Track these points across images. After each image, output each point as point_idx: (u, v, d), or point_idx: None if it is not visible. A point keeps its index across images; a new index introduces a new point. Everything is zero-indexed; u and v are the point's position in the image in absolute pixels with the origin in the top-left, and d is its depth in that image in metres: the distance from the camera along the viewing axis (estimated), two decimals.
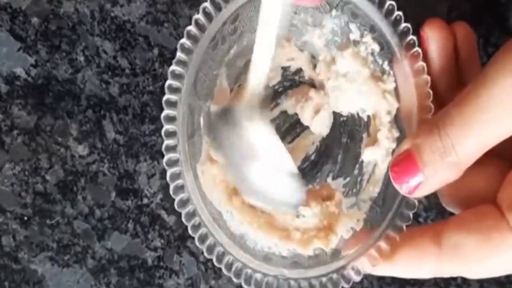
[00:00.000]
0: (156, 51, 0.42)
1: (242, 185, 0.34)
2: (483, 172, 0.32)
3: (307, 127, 0.40)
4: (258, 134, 0.34)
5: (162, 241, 0.43)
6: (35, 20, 0.42)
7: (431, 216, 0.43)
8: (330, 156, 0.40)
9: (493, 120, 0.28)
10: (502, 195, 0.30)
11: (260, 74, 0.33)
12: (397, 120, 0.36)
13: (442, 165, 0.29)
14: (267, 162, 0.34)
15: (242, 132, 0.34)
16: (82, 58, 0.42)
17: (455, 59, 0.35)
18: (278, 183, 0.34)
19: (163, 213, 0.43)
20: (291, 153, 0.36)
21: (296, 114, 0.40)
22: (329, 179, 0.40)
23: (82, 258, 0.43)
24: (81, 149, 0.43)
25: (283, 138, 0.40)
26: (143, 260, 0.43)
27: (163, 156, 0.41)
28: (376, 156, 0.37)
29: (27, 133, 0.42)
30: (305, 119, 0.39)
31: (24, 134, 0.42)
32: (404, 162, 0.30)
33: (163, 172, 0.42)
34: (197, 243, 0.33)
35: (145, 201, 0.43)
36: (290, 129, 0.41)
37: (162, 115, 0.33)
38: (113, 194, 0.43)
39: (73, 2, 0.42)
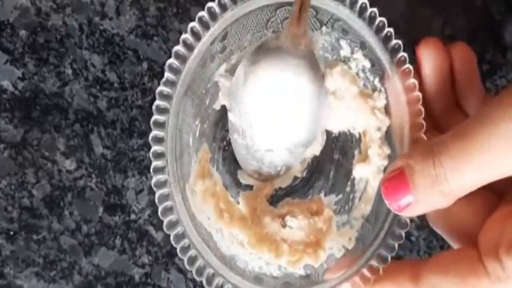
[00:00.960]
0: (145, 65, 0.42)
1: (254, 133, 0.34)
2: (470, 204, 0.32)
3: None
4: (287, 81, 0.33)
5: (150, 257, 0.43)
6: (22, 32, 0.42)
7: (423, 235, 0.43)
8: (322, 173, 0.40)
9: (489, 160, 0.28)
10: (482, 239, 0.30)
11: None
12: (389, 137, 0.36)
13: (433, 192, 0.29)
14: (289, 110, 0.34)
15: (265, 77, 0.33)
16: (70, 72, 0.42)
17: (452, 81, 0.35)
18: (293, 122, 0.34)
19: (151, 229, 0.43)
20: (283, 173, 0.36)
21: None
22: (321, 196, 0.40)
23: (68, 274, 0.43)
24: (69, 164, 0.42)
25: None
26: (131, 277, 0.43)
27: (151, 171, 0.41)
28: (367, 173, 0.37)
29: (13, 146, 0.42)
30: None
31: (11, 148, 0.42)
32: (395, 180, 0.30)
33: (152, 187, 0.41)
34: (186, 265, 0.33)
35: (133, 217, 0.43)
36: None
37: (150, 136, 0.33)
38: (101, 209, 0.43)
39: (61, 15, 0.42)
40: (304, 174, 0.40)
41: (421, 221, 0.43)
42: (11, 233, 0.42)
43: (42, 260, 0.43)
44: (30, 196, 0.43)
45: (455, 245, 0.34)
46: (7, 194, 0.42)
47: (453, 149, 0.29)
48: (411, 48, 0.34)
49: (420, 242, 0.43)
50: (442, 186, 0.29)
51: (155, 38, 0.42)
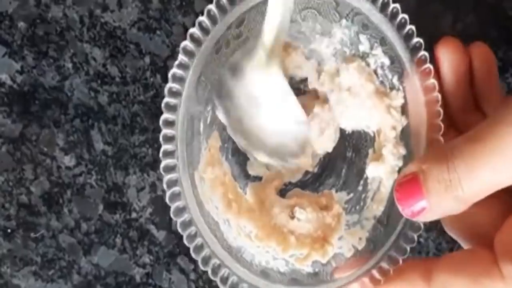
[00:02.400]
0: (147, 59, 0.42)
1: (248, 142, 0.34)
2: (487, 207, 0.32)
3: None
4: (265, 83, 0.34)
5: (151, 257, 0.43)
6: (21, 24, 0.41)
7: (432, 236, 0.43)
8: (334, 170, 0.40)
9: (503, 164, 0.28)
10: (499, 240, 0.30)
11: (273, 26, 0.32)
12: (405, 138, 0.35)
13: (447, 198, 0.29)
14: (274, 111, 0.34)
15: (248, 82, 0.34)
16: (70, 65, 0.42)
17: (471, 81, 0.34)
18: (285, 132, 0.34)
19: (152, 228, 0.42)
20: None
21: None
22: (332, 191, 0.39)
23: (67, 273, 0.42)
24: (68, 160, 0.42)
25: None
26: (131, 277, 0.43)
27: (153, 168, 0.42)
28: (380, 172, 0.36)
29: (11, 142, 0.42)
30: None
31: (9, 143, 0.42)
32: (409, 185, 0.30)
33: (153, 185, 0.42)
34: (192, 253, 0.33)
35: (134, 215, 0.42)
36: None
37: (161, 118, 0.32)
38: (101, 207, 0.42)
39: (62, 7, 0.41)
40: (316, 170, 0.40)
41: (430, 223, 0.41)
42: (9, 231, 0.42)
43: (40, 259, 0.42)
44: (28, 193, 0.42)
45: (468, 248, 0.33)
46: (4, 190, 0.42)
47: (467, 153, 0.29)
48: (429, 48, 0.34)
49: (429, 244, 0.43)
50: (456, 192, 0.29)
51: (158, 32, 0.41)
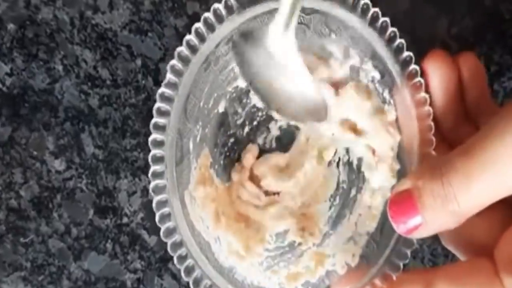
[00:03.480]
0: (139, 61, 0.41)
1: (270, 104, 0.34)
2: (485, 219, 0.32)
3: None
4: (282, 54, 0.33)
5: (143, 262, 0.42)
6: (11, 26, 0.41)
7: (427, 242, 0.42)
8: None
9: (497, 176, 0.28)
10: (499, 251, 0.30)
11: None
12: (398, 152, 0.35)
13: (443, 213, 0.29)
14: (291, 79, 0.33)
15: (267, 51, 0.33)
16: (60, 68, 0.41)
17: (461, 93, 0.34)
18: (304, 97, 0.33)
19: (144, 233, 0.42)
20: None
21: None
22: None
23: (57, 279, 0.42)
24: (58, 164, 0.42)
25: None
26: (122, 283, 0.42)
27: (144, 172, 0.42)
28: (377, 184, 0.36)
29: (0, 145, 0.42)
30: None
31: None
32: (403, 202, 0.30)
33: (144, 189, 0.42)
34: (183, 275, 0.33)
35: (125, 220, 0.42)
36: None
37: (150, 139, 0.33)
38: (91, 212, 0.42)
39: (52, 8, 0.41)
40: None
41: None
42: None
43: (29, 264, 0.42)
44: (17, 197, 0.42)
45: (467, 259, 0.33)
46: None
47: (461, 167, 0.29)
48: (414, 47, 0.34)
49: (424, 250, 0.42)
50: (452, 206, 0.29)
51: (150, 34, 0.41)
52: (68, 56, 0.41)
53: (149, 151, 0.34)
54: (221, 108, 0.37)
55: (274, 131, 0.39)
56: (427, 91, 0.33)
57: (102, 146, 0.42)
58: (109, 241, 0.42)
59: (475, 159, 0.28)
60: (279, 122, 0.39)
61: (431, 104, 0.33)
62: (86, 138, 0.42)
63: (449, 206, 0.29)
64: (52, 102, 0.42)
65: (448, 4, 0.41)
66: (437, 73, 0.34)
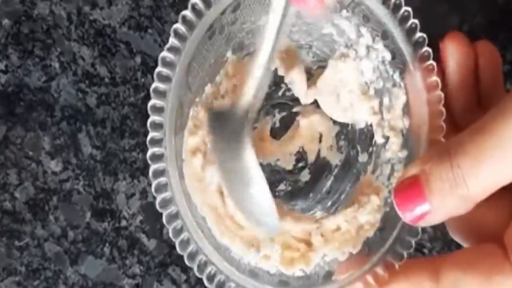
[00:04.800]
0: (138, 59, 0.41)
1: (226, 189, 0.34)
2: (493, 206, 0.31)
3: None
4: (244, 158, 0.33)
5: (141, 267, 0.42)
6: (6, 22, 0.41)
7: (437, 247, 0.42)
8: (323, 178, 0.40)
9: (509, 157, 0.28)
10: (508, 235, 0.30)
11: (252, 91, 0.32)
12: (406, 139, 0.35)
13: (452, 197, 0.29)
14: (249, 181, 0.34)
15: (231, 146, 0.33)
16: (57, 65, 0.41)
17: (476, 80, 0.34)
18: (258, 206, 0.34)
19: (142, 237, 0.42)
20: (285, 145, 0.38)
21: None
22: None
23: (53, 283, 0.42)
24: (54, 165, 0.42)
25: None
26: None
27: (143, 174, 0.42)
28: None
29: None
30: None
31: None
32: (409, 188, 0.30)
33: (144, 191, 0.42)
34: (178, 249, 0.32)
35: (124, 223, 0.42)
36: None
37: (149, 104, 0.32)
38: (88, 214, 0.42)
39: (48, 3, 0.41)
40: (308, 177, 0.40)
41: (435, 232, 0.42)
42: None
43: (24, 269, 0.42)
44: (12, 199, 0.42)
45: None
46: None
47: (470, 148, 0.28)
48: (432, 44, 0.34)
49: (434, 255, 0.42)
50: (462, 190, 0.28)
51: (149, 30, 0.41)
52: (65, 53, 0.41)
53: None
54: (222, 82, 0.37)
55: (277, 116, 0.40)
56: (439, 75, 0.33)
57: (100, 146, 0.42)
58: (107, 245, 0.42)
59: (485, 139, 0.28)
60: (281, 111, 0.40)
61: (444, 88, 0.33)
62: (83, 138, 0.42)
63: (458, 190, 0.28)
64: (48, 100, 0.41)
65: (459, 1, 0.40)
66: (455, 55, 0.33)
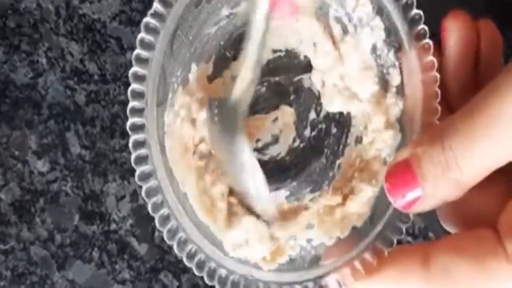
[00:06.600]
0: (129, 55, 0.41)
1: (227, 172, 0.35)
2: (486, 191, 0.31)
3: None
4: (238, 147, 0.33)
5: (132, 272, 0.42)
6: None
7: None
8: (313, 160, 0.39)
9: (503, 135, 0.27)
10: (502, 219, 0.29)
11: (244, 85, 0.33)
12: (400, 121, 0.34)
13: (444, 182, 0.28)
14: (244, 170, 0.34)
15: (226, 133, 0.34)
16: (44, 61, 0.41)
17: (476, 61, 0.34)
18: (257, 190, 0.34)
19: (133, 241, 0.42)
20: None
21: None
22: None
23: None
24: (41, 165, 0.42)
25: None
26: None
27: (134, 175, 0.39)
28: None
29: None
30: None
31: None
32: (401, 173, 0.30)
33: (134, 194, 0.42)
34: (157, 224, 0.32)
35: (113, 226, 0.42)
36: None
37: (130, 72, 0.31)
38: (77, 217, 0.42)
39: None
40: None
41: (414, 229, 0.42)
42: None
43: (9, 273, 0.42)
44: None
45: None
46: None
47: (462, 129, 0.28)
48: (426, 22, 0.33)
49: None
50: (454, 173, 0.28)
51: None
52: (53, 48, 0.41)
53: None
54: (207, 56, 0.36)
55: (261, 89, 0.39)
56: (436, 55, 0.32)
57: (89, 146, 0.41)
58: (96, 249, 0.42)
59: (478, 118, 0.27)
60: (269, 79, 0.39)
61: (442, 68, 0.32)
62: (71, 137, 0.41)
63: (451, 173, 0.28)
64: (35, 98, 0.41)
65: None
66: (457, 33, 0.33)
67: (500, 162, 0.28)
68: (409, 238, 0.41)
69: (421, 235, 0.41)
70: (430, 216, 0.35)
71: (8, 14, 0.41)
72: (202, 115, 0.35)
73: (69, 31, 0.41)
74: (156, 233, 0.41)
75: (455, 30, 0.33)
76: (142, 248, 0.41)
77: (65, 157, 0.41)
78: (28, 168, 0.41)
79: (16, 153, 0.41)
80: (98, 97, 0.41)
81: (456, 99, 0.34)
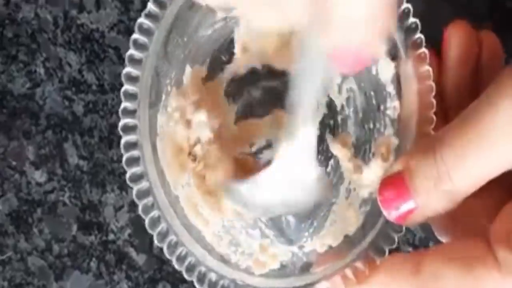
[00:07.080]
0: None
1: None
2: (479, 201, 0.31)
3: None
4: None
5: (130, 283, 0.42)
6: None
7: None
8: None
9: (495, 145, 0.27)
10: (493, 228, 0.29)
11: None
12: (396, 131, 0.34)
13: (437, 194, 0.29)
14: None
15: None
16: (42, 71, 0.41)
17: (476, 72, 0.34)
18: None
19: (131, 251, 0.42)
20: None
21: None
22: None
23: None
24: (39, 175, 0.41)
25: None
26: None
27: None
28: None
29: None
30: None
31: None
32: (394, 186, 0.30)
33: (132, 204, 0.41)
34: (147, 227, 0.32)
35: (111, 236, 0.42)
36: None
37: (123, 72, 0.32)
38: (74, 227, 0.42)
39: (34, 6, 0.41)
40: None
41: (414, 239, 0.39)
42: None
43: (7, 284, 0.42)
44: None
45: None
46: None
47: (454, 140, 0.28)
48: (428, 47, 0.33)
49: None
50: (446, 186, 0.28)
51: None
52: (51, 58, 0.41)
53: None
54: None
55: (255, 93, 0.39)
56: (432, 65, 0.32)
57: (87, 156, 0.41)
58: (94, 259, 0.42)
59: (470, 129, 0.27)
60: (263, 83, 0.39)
61: (442, 77, 0.33)
62: (69, 147, 0.41)
63: (443, 185, 0.28)
64: (33, 108, 0.41)
65: (467, 6, 0.40)
66: (458, 43, 0.33)
67: (493, 172, 0.28)
68: (410, 248, 0.41)
69: (422, 245, 0.41)
70: (430, 226, 0.35)
71: (6, 24, 0.41)
72: (197, 117, 0.35)
73: (67, 41, 0.41)
74: (155, 244, 0.40)
75: (456, 40, 0.33)
76: (140, 259, 0.41)
77: (62, 168, 0.41)
78: (25, 178, 0.41)
79: (14, 163, 0.41)
80: (96, 107, 0.41)
81: (455, 109, 0.33)
